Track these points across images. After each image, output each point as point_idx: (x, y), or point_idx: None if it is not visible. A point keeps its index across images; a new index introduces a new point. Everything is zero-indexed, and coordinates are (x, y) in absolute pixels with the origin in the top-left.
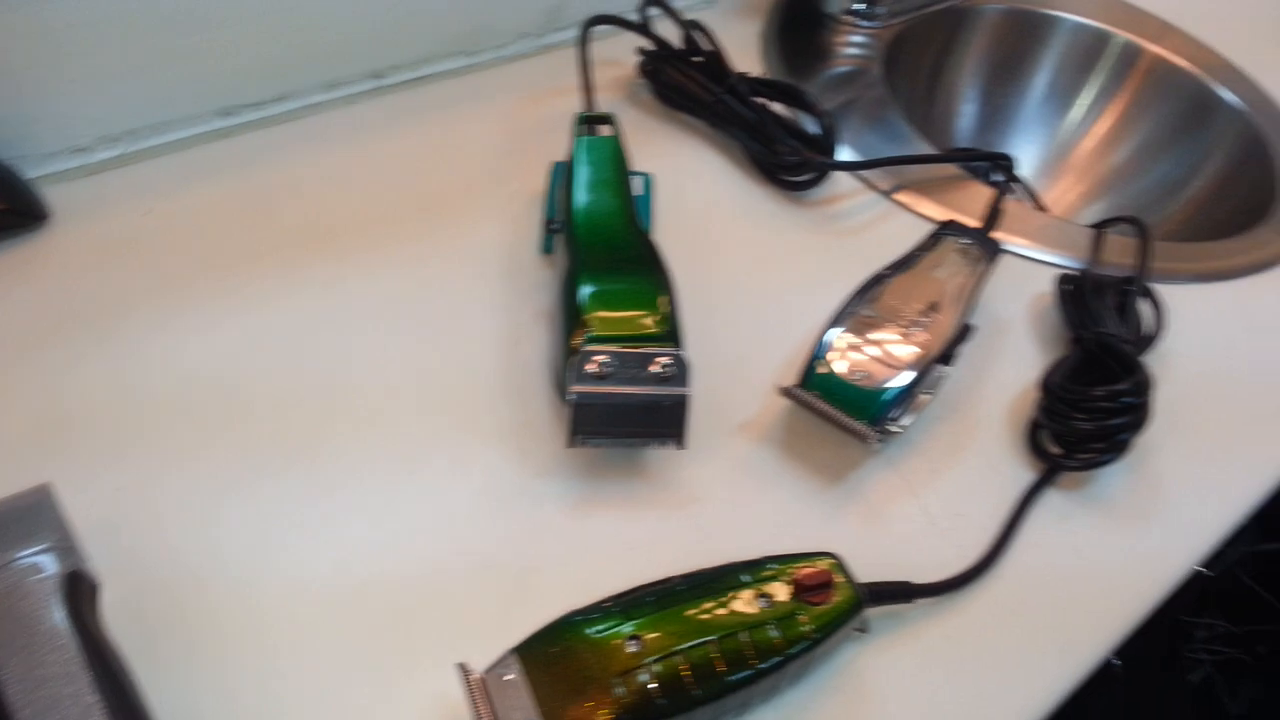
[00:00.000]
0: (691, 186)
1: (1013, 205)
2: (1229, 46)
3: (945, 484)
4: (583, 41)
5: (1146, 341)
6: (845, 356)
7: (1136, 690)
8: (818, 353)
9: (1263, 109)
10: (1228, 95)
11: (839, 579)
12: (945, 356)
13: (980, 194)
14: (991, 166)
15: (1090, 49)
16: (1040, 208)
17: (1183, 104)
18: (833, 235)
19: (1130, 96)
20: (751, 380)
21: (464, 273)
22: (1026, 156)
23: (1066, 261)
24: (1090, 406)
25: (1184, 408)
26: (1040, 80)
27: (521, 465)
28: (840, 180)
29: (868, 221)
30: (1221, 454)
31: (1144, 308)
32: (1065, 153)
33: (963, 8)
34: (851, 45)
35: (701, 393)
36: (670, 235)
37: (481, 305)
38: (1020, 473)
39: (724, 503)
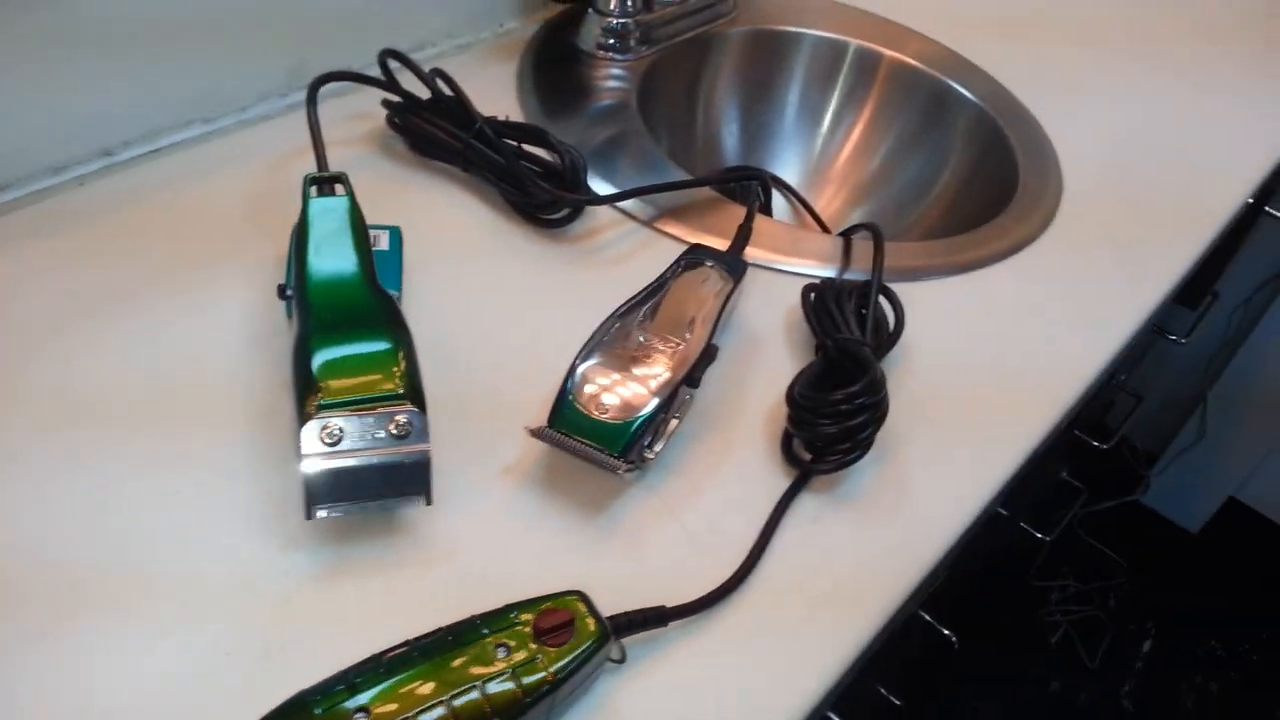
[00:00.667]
0: (449, 234)
1: (768, 223)
2: (962, 43)
3: (706, 502)
4: (310, 101)
5: (888, 341)
6: (592, 390)
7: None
8: (564, 389)
9: (998, 101)
10: (964, 91)
11: (582, 616)
12: (691, 379)
13: (739, 215)
14: (747, 186)
15: (831, 61)
16: (815, 218)
17: (924, 104)
18: (594, 268)
19: (876, 102)
20: (514, 423)
21: (206, 345)
22: (792, 170)
23: (822, 272)
24: (831, 411)
25: (929, 399)
26: (792, 96)
27: (267, 540)
28: (601, 214)
29: (628, 252)
30: (966, 440)
31: (886, 308)
32: (826, 163)
33: (709, 35)
34: (608, 79)
35: (460, 441)
36: (426, 285)
37: (225, 378)
38: (779, 482)
39: (485, 551)
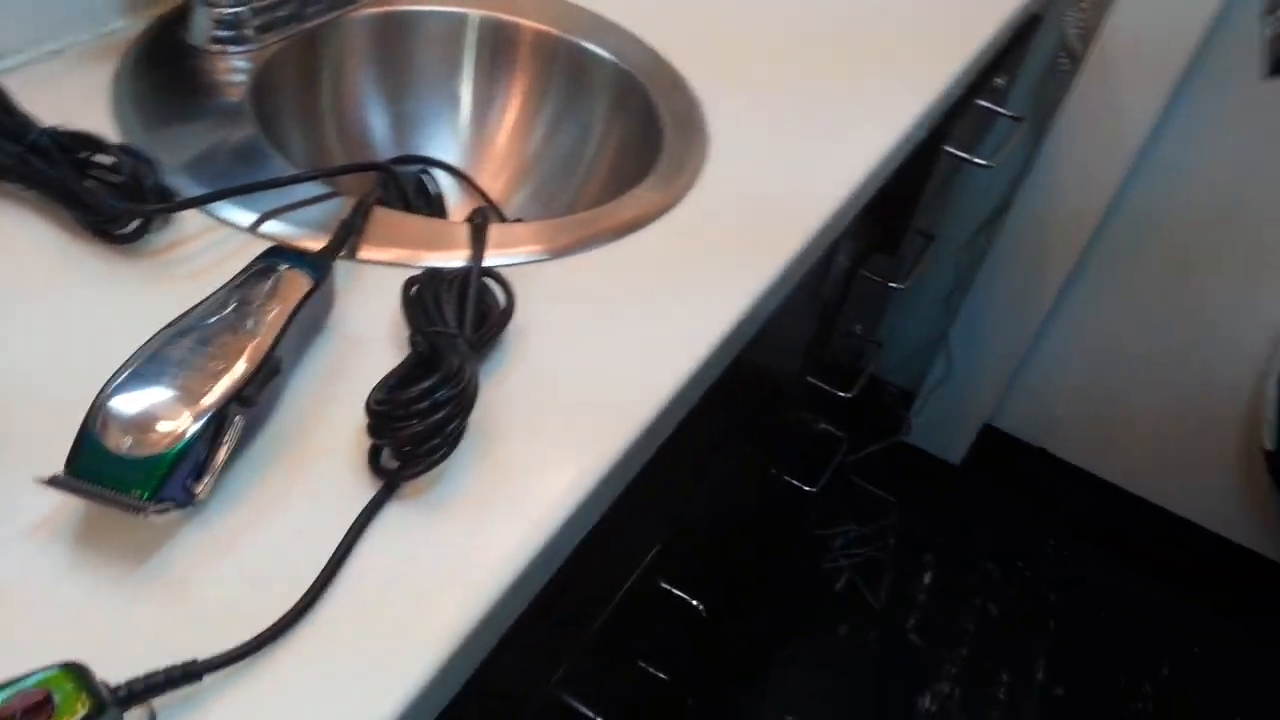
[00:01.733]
0: (5, 264)
1: (397, 216)
2: (620, 12)
3: (272, 534)
4: None
5: (494, 327)
6: (122, 422)
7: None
8: (84, 426)
9: (639, 60)
10: (602, 51)
11: (68, 693)
12: (244, 399)
13: (381, 214)
14: (385, 175)
15: (456, 35)
16: (488, 201)
17: (565, 70)
18: (178, 283)
19: (527, 75)
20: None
21: None
22: (455, 154)
23: (454, 262)
24: (412, 411)
25: (539, 382)
26: (430, 76)
27: None
28: (192, 223)
29: (215, 263)
30: (578, 425)
31: (498, 292)
32: (487, 143)
33: (333, 21)
34: (222, 76)
35: None
36: None
37: None
38: (364, 499)
39: None
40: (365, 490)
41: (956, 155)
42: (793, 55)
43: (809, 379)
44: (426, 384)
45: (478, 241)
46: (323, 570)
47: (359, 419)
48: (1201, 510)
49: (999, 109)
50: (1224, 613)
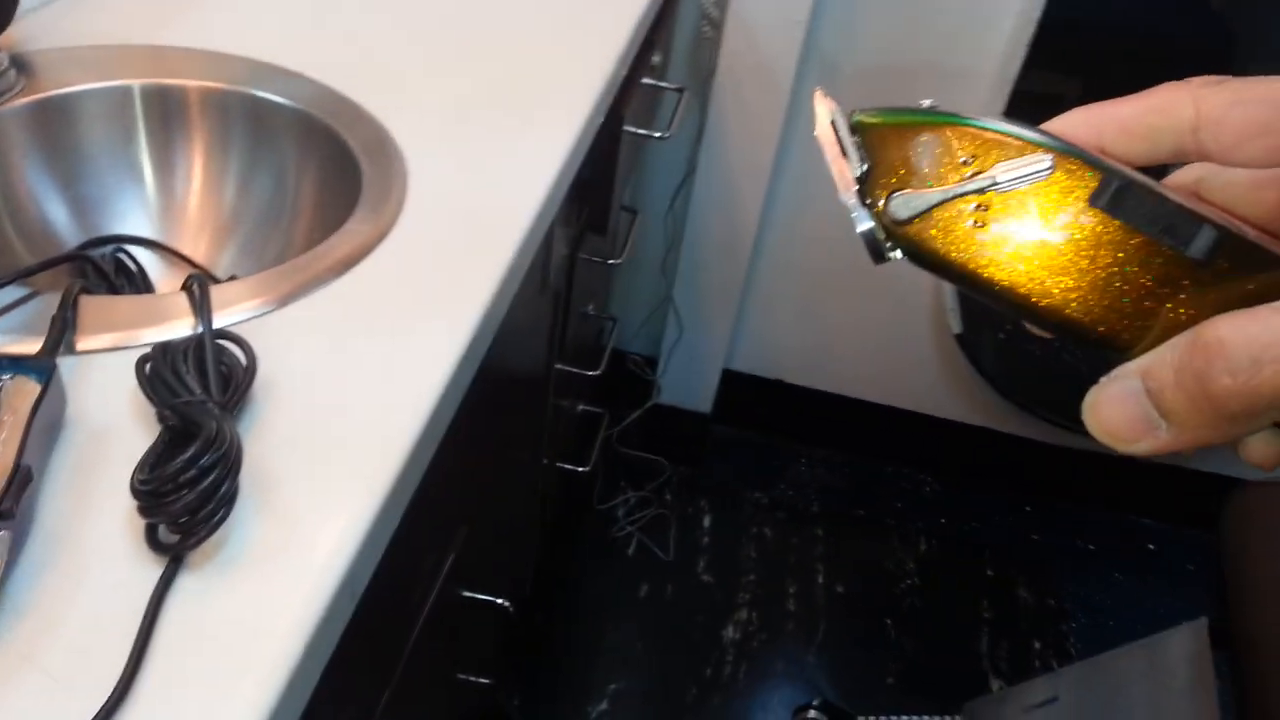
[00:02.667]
0: None
1: (106, 301)
2: (277, 55)
3: (71, 634)
4: None
5: (241, 387)
6: None
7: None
8: None
9: (315, 98)
10: (276, 97)
11: None
12: (3, 514)
13: (89, 302)
14: (80, 262)
15: (122, 109)
16: (197, 268)
17: (242, 122)
18: None
19: (203, 134)
20: None
21: None
22: (146, 226)
23: (180, 333)
24: (181, 483)
25: (299, 429)
26: (103, 154)
27: None
28: None
29: None
30: (343, 459)
31: (236, 353)
32: (181, 210)
33: None
34: None
35: None
36: None
37: None
38: (153, 578)
39: None
40: (152, 570)
41: (636, 133)
42: (462, 69)
43: (558, 366)
44: (189, 453)
45: (202, 306)
46: (129, 658)
47: (127, 504)
48: (917, 398)
49: (661, 83)
50: (952, 480)
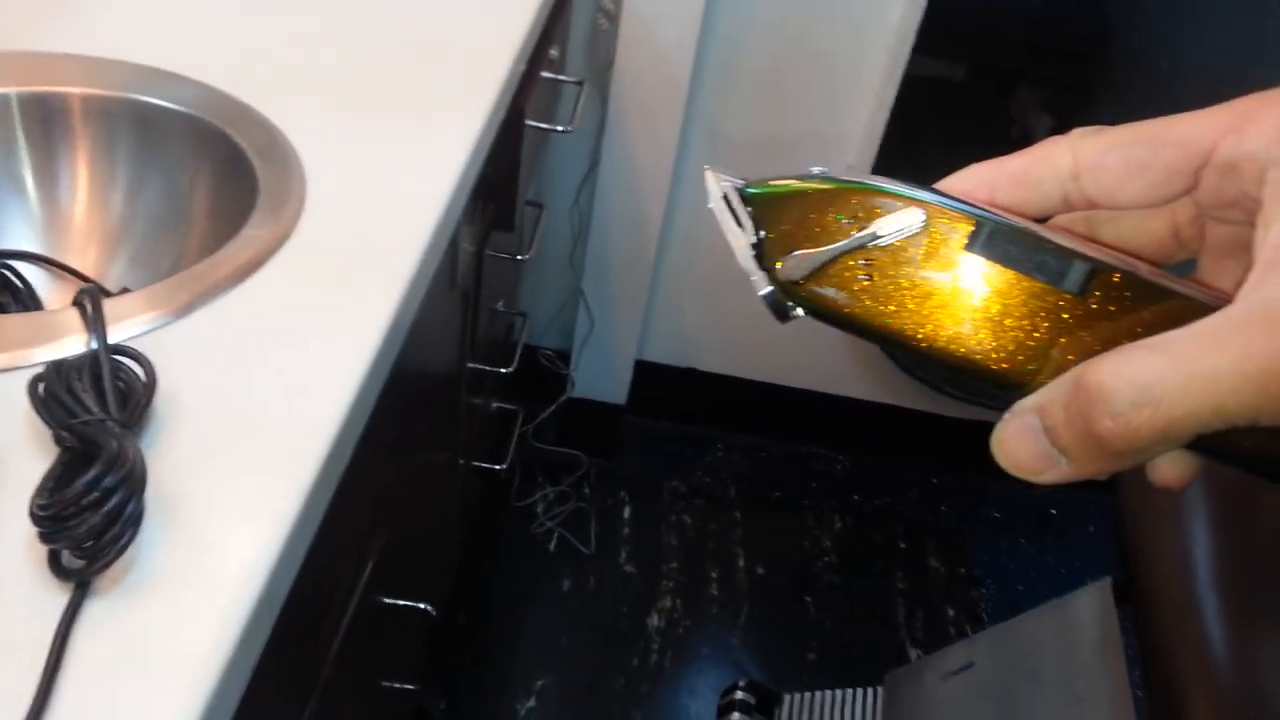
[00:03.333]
0: None
1: None
2: (167, 60)
3: None
4: None
5: (142, 403)
6: None
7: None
8: None
9: (205, 102)
10: (164, 102)
11: None
12: None
13: None
14: None
15: (1, 116)
16: (86, 281)
17: (129, 128)
18: None
19: (86, 141)
20: None
21: None
22: (31, 240)
23: (73, 350)
24: (84, 505)
25: (205, 443)
26: None
27: None
28: None
29: None
30: (254, 469)
31: (135, 369)
32: (66, 222)
33: None
34: None
35: None
36: None
37: None
38: (61, 606)
39: None
40: (58, 598)
41: (538, 127)
42: (356, 71)
43: (470, 365)
44: (90, 475)
45: (95, 321)
46: (36, 693)
47: (26, 531)
48: (826, 380)
49: (560, 76)
50: (863, 458)
